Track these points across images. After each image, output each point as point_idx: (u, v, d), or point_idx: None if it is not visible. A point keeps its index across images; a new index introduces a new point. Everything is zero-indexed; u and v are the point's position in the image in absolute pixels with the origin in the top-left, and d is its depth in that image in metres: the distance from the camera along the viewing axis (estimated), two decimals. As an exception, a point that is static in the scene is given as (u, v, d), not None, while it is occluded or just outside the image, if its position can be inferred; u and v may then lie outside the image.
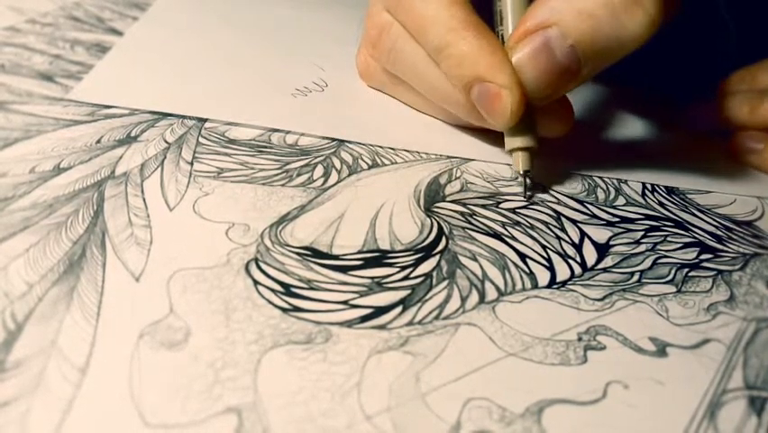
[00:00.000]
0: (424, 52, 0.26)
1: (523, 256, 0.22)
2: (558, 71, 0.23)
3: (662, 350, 0.19)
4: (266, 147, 0.25)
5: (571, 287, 0.20)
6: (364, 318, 0.18)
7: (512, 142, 0.25)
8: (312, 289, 0.19)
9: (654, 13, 0.21)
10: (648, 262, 0.22)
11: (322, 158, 0.25)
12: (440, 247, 0.21)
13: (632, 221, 0.24)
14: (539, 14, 0.22)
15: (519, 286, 0.20)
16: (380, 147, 0.27)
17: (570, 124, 0.26)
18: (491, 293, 0.20)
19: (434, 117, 0.29)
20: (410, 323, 0.18)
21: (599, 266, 0.22)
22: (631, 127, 0.31)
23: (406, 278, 0.20)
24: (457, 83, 0.25)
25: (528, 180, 0.25)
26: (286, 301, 0.18)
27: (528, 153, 0.25)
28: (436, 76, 0.26)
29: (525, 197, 0.25)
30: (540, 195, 0.25)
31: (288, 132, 0.27)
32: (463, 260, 0.21)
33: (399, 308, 0.18)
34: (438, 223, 0.22)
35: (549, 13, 0.22)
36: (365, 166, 0.25)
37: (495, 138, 0.29)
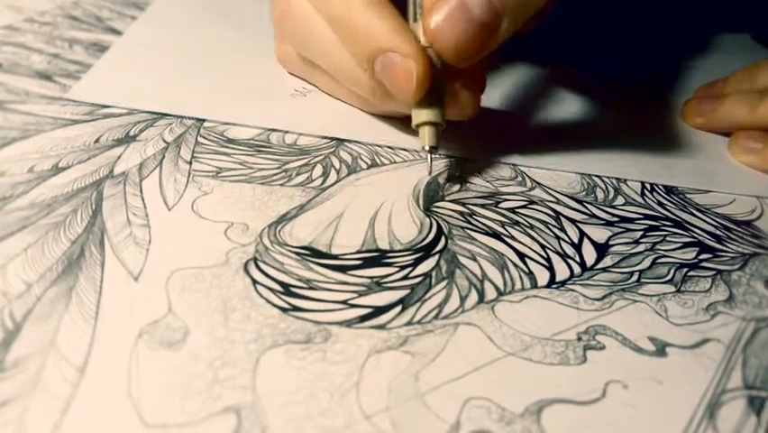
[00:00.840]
0: (328, 30, 0.25)
1: (522, 256, 0.21)
2: (477, 28, 0.22)
3: (661, 350, 0.19)
4: (265, 147, 0.25)
5: (570, 287, 0.20)
6: (363, 318, 0.18)
7: (418, 115, 0.24)
8: (311, 288, 0.19)
9: None
10: (647, 262, 0.22)
11: (321, 157, 0.25)
12: (439, 247, 0.21)
13: (631, 221, 0.24)
14: None
15: (518, 286, 0.20)
16: (379, 146, 0.26)
17: (475, 108, 0.26)
18: (490, 293, 0.20)
19: (348, 104, 0.29)
20: (409, 323, 0.18)
21: (599, 266, 0.22)
22: (630, 127, 0.31)
23: (405, 278, 0.20)
24: (360, 57, 0.24)
25: (432, 156, 0.24)
26: (285, 301, 0.18)
27: (435, 128, 0.24)
28: (342, 55, 0.25)
29: (429, 173, 0.25)
30: (540, 195, 0.25)
31: (287, 131, 0.27)
32: (462, 259, 0.21)
33: (398, 308, 0.18)
34: (437, 222, 0.22)
35: None
36: (364, 166, 0.25)
37: (494, 137, 0.29)
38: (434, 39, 0.23)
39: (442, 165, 0.26)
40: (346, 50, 0.25)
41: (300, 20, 0.27)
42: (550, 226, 0.23)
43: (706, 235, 0.24)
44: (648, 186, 0.27)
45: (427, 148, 0.24)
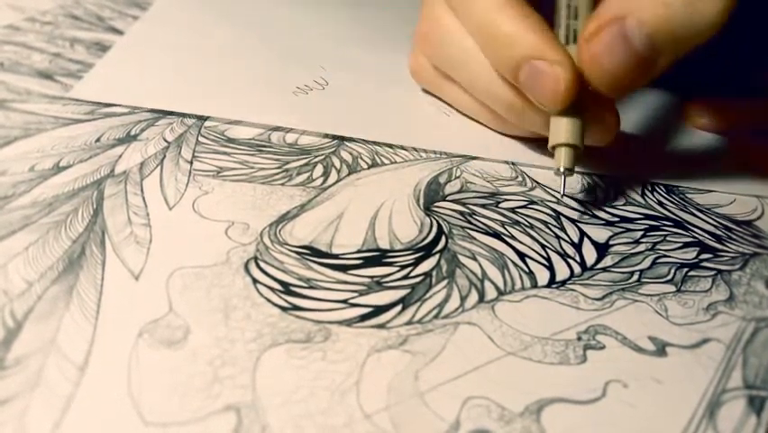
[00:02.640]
0: (472, 43, 0.26)
1: (522, 255, 0.22)
2: (636, 61, 0.22)
3: (661, 349, 0.19)
4: (265, 146, 0.25)
5: (570, 286, 0.20)
6: (363, 317, 0.18)
7: (557, 136, 0.24)
8: (311, 288, 0.19)
9: None
10: (648, 262, 0.22)
11: (321, 157, 0.25)
12: (439, 246, 0.21)
13: (631, 220, 0.24)
14: (613, 6, 0.22)
15: (519, 285, 0.20)
16: (380, 146, 0.26)
17: (613, 134, 0.25)
18: (491, 292, 0.20)
19: (477, 121, 0.29)
20: (409, 322, 0.18)
21: (599, 266, 0.22)
22: (630, 126, 0.31)
23: (405, 277, 0.20)
24: (504, 66, 0.24)
25: (566, 179, 0.24)
26: (285, 300, 0.18)
27: (572, 150, 0.24)
28: (482, 70, 0.25)
29: (561, 195, 0.24)
30: (540, 195, 0.25)
31: (288, 130, 0.27)
32: (463, 259, 0.21)
33: (399, 307, 0.18)
34: (438, 222, 0.22)
35: (623, 4, 0.22)
36: (365, 165, 0.25)
37: (495, 137, 0.29)
38: (590, 66, 0.22)
39: (442, 164, 0.26)
40: (489, 60, 0.25)
41: (444, 33, 0.27)
42: (550, 226, 0.23)
43: (706, 235, 0.24)
44: (648, 186, 0.27)
45: (562, 170, 0.23)
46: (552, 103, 0.23)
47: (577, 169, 0.24)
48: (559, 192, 0.24)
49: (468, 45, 0.26)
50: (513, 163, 0.27)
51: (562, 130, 0.24)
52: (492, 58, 0.25)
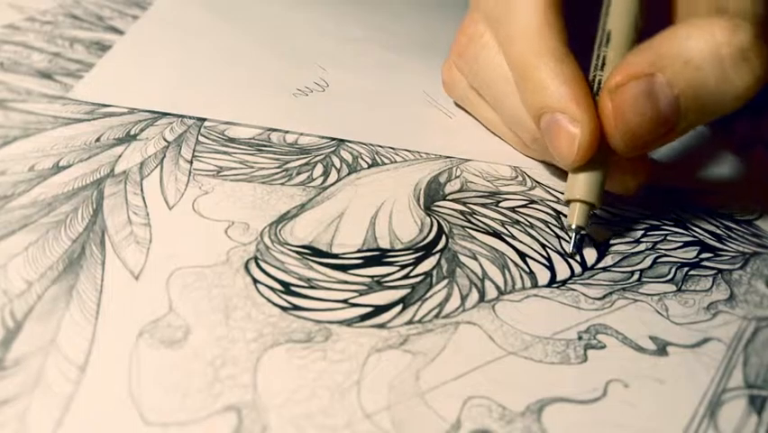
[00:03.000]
0: (506, 68, 0.25)
1: (523, 255, 0.21)
2: (659, 121, 0.21)
3: (662, 349, 0.19)
4: (265, 146, 0.25)
5: (571, 286, 0.20)
6: (364, 317, 0.18)
7: (572, 191, 0.22)
8: (312, 287, 0.19)
9: (761, 73, 0.20)
10: (648, 261, 0.22)
11: (321, 157, 0.25)
12: (440, 246, 0.21)
13: (632, 220, 0.24)
14: (644, 60, 0.21)
15: (519, 285, 0.20)
16: (381, 146, 0.26)
17: (640, 183, 0.24)
18: (491, 292, 0.20)
19: (504, 140, 0.28)
20: (410, 322, 0.18)
21: (599, 265, 0.22)
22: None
23: (405, 277, 0.20)
24: (528, 109, 0.23)
25: (578, 237, 0.22)
26: (285, 300, 0.18)
27: (587, 208, 0.22)
28: (513, 97, 0.25)
29: (570, 252, 0.22)
30: (540, 194, 0.25)
31: (287, 131, 0.27)
32: (463, 259, 0.21)
33: (399, 307, 0.18)
34: (438, 222, 0.22)
35: (654, 59, 0.21)
36: (365, 165, 0.25)
37: (495, 139, 0.29)
38: (610, 119, 0.21)
39: (442, 164, 0.26)
40: (519, 94, 0.24)
41: (481, 51, 0.26)
42: (550, 226, 0.23)
43: (707, 235, 0.24)
44: (649, 185, 0.27)
45: (574, 227, 0.22)
46: (564, 161, 0.22)
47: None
48: (568, 250, 0.22)
49: (502, 70, 0.25)
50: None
51: (578, 184, 0.22)
52: (520, 95, 0.24)
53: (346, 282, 0.19)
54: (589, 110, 0.22)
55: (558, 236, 0.23)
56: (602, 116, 0.22)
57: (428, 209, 0.23)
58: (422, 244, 0.21)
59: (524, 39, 0.23)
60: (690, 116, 0.21)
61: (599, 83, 0.23)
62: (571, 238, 0.22)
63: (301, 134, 0.26)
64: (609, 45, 0.23)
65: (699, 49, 0.20)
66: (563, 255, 0.22)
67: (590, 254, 0.22)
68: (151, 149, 0.24)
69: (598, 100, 0.22)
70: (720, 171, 0.29)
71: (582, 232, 0.22)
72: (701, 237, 0.24)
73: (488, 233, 0.22)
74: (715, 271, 0.22)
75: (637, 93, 0.21)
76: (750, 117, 0.32)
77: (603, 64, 0.23)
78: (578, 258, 0.22)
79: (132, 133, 0.25)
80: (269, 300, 0.18)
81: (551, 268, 0.21)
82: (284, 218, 0.21)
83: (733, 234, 0.24)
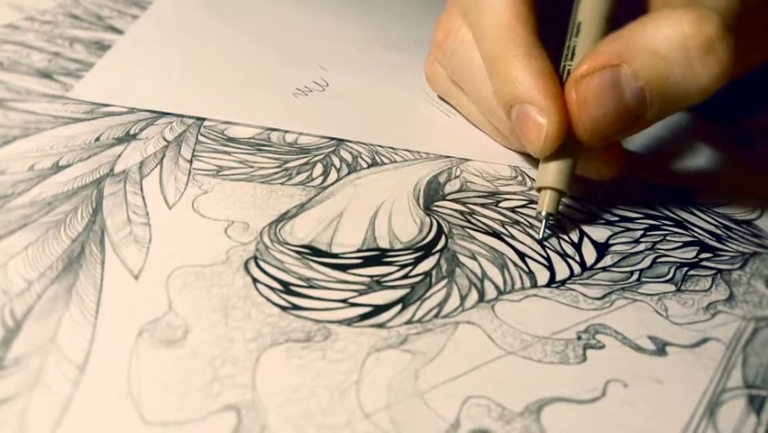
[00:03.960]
0: (482, 62, 0.25)
1: (522, 255, 0.21)
2: (623, 112, 0.21)
3: (661, 349, 0.19)
4: (265, 145, 0.25)
5: (570, 286, 0.20)
6: (363, 317, 0.18)
7: (543, 179, 0.23)
8: (311, 287, 0.19)
9: (727, 63, 0.20)
10: (647, 261, 0.22)
11: (321, 156, 0.25)
12: (439, 246, 0.21)
13: (631, 220, 0.24)
14: (611, 50, 0.21)
15: (518, 285, 0.20)
16: (380, 146, 0.26)
17: (618, 170, 0.24)
18: (490, 292, 0.20)
19: (485, 134, 0.29)
20: (409, 321, 0.18)
21: (599, 265, 0.22)
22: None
23: (405, 276, 0.20)
24: (499, 100, 0.24)
25: (548, 223, 0.23)
26: (285, 299, 0.18)
27: (557, 195, 0.23)
28: (489, 89, 0.25)
29: (539, 238, 0.23)
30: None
31: (287, 131, 0.27)
32: (463, 258, 0.21)
33: (399, 307, 0.18)
34: (437, 222, 0.22)
35: (621, 50, 0.21)
36: (364, 165, 0.25)
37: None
38: (575, 109, 0.22)
39: (441, 164, 0.26)
40: (491, 86, 0.24)
41: (458, 44, 0.27)
42: (554, 229, 0.23)
43: (706, 235, 0.24)
44: (648, 185, 0.27)
45: (543, 214, 0.22)
46: (533, 150, 0.23)
47: (577, 170, 0.24)
48: (537, 237, 0.23)
49: (479, 63, 0.25)
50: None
51: (548, 172, 0.23)
52: (492, 87, 0.24)
53: (346, 282, 0.19)
54: (556, 101, 0.22)
55: (557, 236, 0.23)
56: (568, 106, 0.22)
57: (428, 209, 0.23)
58: (421, 243, 0.21)
59: (494, 32, 0.24)
60: (656, 108, 0.21)
61: (569, 73, 0.23)
62: (541, 224, 0.23)
63: (301, 134, 0.26)
64: (579, 36, 0.24)
65: (666, 40, 0.20)
66: (563, 255, 0.22)
67: (590, 254, 0.22)
68: (151, 148, 0.24)
69: (564, 90, 0.22)
70: (720, 171, 0.29)
71: (552, 219, 0.23)
72: (701, 237, 0.24)
73: (487, 233, 0.22)
74: (714, 272, 0.22)
75: (602, 83, 0.21)
76: (752, 111, 0.32)
77: (573, 54, 0.24)
78: (576, 258, 0.22)
79: (132, 132, 0.25)
80: (269, 300, 0.18)
81: (550, 268, 0.21)
82: (283, 218, 0.21)
83: (732, 235, 0.24)
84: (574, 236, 0.23)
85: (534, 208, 0.24)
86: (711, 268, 0.22)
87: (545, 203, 0.23)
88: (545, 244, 0.22)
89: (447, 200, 0.24)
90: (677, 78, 0.20)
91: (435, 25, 0.29)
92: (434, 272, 0.20)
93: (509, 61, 0.23)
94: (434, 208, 0.23)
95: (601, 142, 0.22)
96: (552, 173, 0.23)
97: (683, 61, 0.20)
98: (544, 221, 0.23)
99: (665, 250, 0.23)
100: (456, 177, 0.25)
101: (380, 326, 0.18)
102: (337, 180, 0.24)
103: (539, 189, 0.23)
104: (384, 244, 0.21)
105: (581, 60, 0.22)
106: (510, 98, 0.23)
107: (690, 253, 0.23)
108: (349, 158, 0.25)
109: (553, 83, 0.22)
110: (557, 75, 0.23)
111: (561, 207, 0.24)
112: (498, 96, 0.24)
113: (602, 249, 0.23)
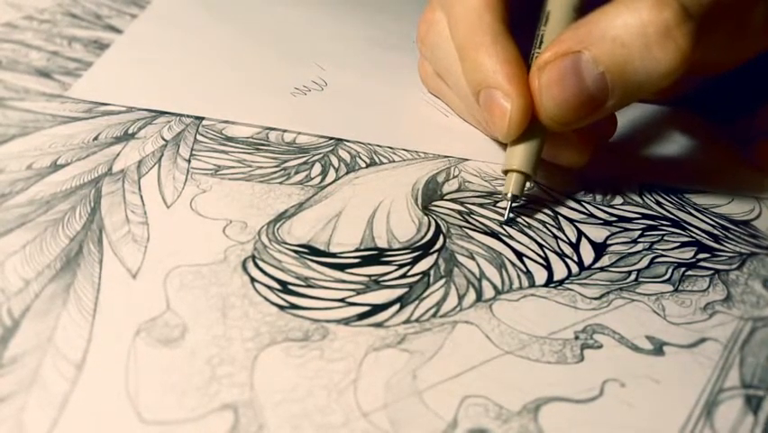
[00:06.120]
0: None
1: (520, 255, 0.22)
2: (584, 97, 0.22)
3: (658, 349, 0.19)
4: (263, 145, 0.25)
5: (568, 286, 0.20)
6: (361, 316, 0.18)
7: (509, 162, 0.23)
8: (309, 286, 0.19)
9: (686, 49, 0.20)
10: (645, 262, 0.22)
11: (320, 156, 0.25)
12: (437, 245, 0.21)
13: (629, 220, 0.24)
14: (573, 37, 0.22)
15: (516, 284, 0.20)
16: (379, 146, 0.27)
17: (586, 157, 0.25)
18: (488, 291, 0.20)
19: (471, 125, 0.29)
20: (407, 321, 0.18)
21: (597, 265, 0.22)
22: (628, 127, 0.31)
23: (403, 276, 0.20)
24: (469, 86, 0.24)
25: (512, 205, 0.23)
26: (283, 299, 0.18)
27: (522, 177, 0.23)
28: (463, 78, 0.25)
29: (503, 221, 0.23)
30: (538, 194, 0.25)
31: (285, 130, 0.27)
32: (461, 258, 0.21)
33: (396, 306, 0.18)
34: (436, 221, 0.22)
35: (582, 37, 0.21)
36: (363, 164, 0.25)
37: (493, 139, 0.29)
38: (537, 95, 0.22)
39: (440, 164, 0.26)
40: (463, 74, 0.25)
41: (438, 38, 0.27)
42: (548, 226, 0.23)
43: (704, 235, 0.24)
44: (646, 185, 0.27)
45: (509, 196, 0.23)
46: (500, 134, 0.23)
47: (549, 159, 0.24)
48: (503, 216, 0.23)
49: (455, 56, 0.26)
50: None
51: (514, 155, 0.23)
52: (463, 74, 0.25)
53: (343, 281, 0.19)
54: (520, 86, 0.23)
55: (555, 236, 0.23)
56: (532, 92, 0.23)
57: (426, 209, 0.23)
58: (419, 243, 0.21)
59: (464, 20, 0.24)
60: (618, 93, 0.22)
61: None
62: (506, 207, 0.23)
63: (299, 133, 0.26)
64: (547, 25, 0.24)
65: (626, 26, 0.21)
66: (560, 255, 0.22)
67: (588, 254, 0.22)
68: (149, 147, 0.24)
69: (529, 76, 0.23)
70: (719, 171, 0.29)
71: (517, 201, 0.23)
72: (698, 238, 0.24)
73: (485, 232, 0.22)
74: (712, 272, 0.22)
75: (563, 69, 0.22)
76: (751, 112, 0.32)
77: (541, 43, 0.24)
78: (574, 257, 0.22)
79: (131, 131, 0.25)
80: (267, 299, 0.18)
81: (548, 268, 0.21)
82: (282, 217, 0.21)
83: (730, 235, 0.25)
84: (571, 235, 0.23)
85: (534, 208, 0.24)
86: (709, 268, 0.22)
87: (511, 185, 0.23)
88: (544, 244, 0.22)
89: (445, 200, 0.24)
90: (637, 63, 0.21)
91: (419, 20, 0.29)
92: (432, 272, 0.20)
93: (477, 48, 0.24)
94: (433, 208, 0.23)
95: (564, 128, 0.23)
96: (517, 156, 0.23)
97: (642, 47, 0.21)
98: (509, 203, 0.23)
99: (663, 250, 0.23)
100: (454, 176, 0.25)
101: (378, 325, 0.18)
102: (335, 180, 0.24)
103: (505, 172, 0.24)
104: (382, 243, 0.21)
105: (546, 48, 0.22)
106: (477, 84, 0.24)
107: (687, 254, 0.23)
108: (347, 157, 0.25)
109: (518, 69, 0.23)
110: (525, 62, 0.24)
111: (555, 203, 0.24)
112: (467, 82, 0.25)
113: (600, 249, 0.23)
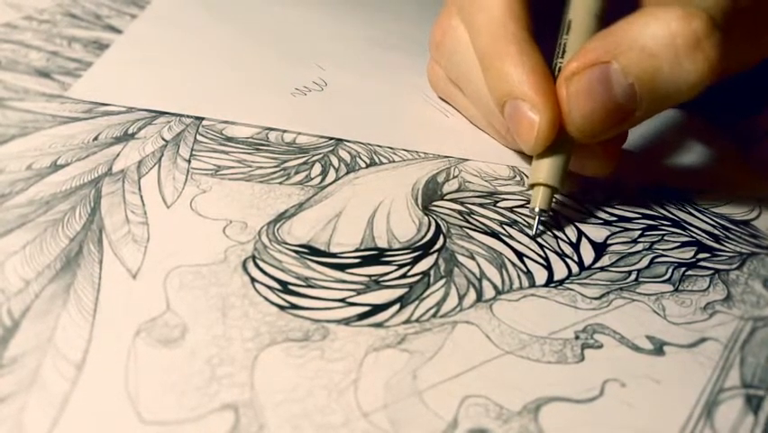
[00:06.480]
0: (477, 60, 0.25)
1: (520, 255, 0.22)
2: (613, 108, 0.21)
3: (659, 348, 0.19)
4: (263, 145, 0.25)
5: (568, 285, 0.20)
6: (361, 316, 0.18)
7: (535, 175, 0.23)
8: (309, 286, 0.19)
9: (715, 60, 0.20)
10: (645, 261, 0.22)
11: (320, 156, 0.25)
12: (437, 245, 0.21)
13: (629, 220, 0.24)
14: (601, 47, 0.21)
15: (517, 284, 0.20)
16: (379, 146, 0.26)
17: (612, 167, 0.24)
18: (489, 291, 0.20)
19: (487, 134, 0.29)
20: (407, 321, 0.18)
21: (597, 265, 0.22)
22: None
23: (403, 276, 0.20)
24: (493, 97, 0.24)
25: (541, 219, 0.23)
26: (283, 299, 0.18)
27: (549, 191, 0.23)
28: (485, 87, 0.25)
29: (533, 235, 0.23)
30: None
31: (285, 130, 0.27)
32: (461, 258, 0.21)
33: (397, 306, 0.18)
34: (436, 221, 0.22)
35: (610, 47, 0.21)
36: (363, 164, 0.25)
37: (493, 138, 0.29)
38: (565, 106, 0.22)
39: (440, 164, 0.26)
40: (485, 83, 0.25)
41: (455, 44, 0.27)
42: (548, 226, 0.23)
43: (704, 235, 0.24)
44: (646, 185, 0.27)
45: (537, 210, 0.23)
46: (526, 146, 0.23)
47: (573, 168, 0.24)
48: (531, 233, 0.23)
49: (475, 61, 0.25)
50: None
51: (541, 169, 0.23)
52: (486, 84, 0.25)
53: (344, 281, 0.19)
54: (548, 97, 0.22)
55: (556, 236, 0.23)
56: (559, 103, 0.22)
57: (426, 209, 0.23)
58: (420, 243, 0.21)
59: (488, 29, 0.24)
60: (646, 104, 0.21)
61: (560, 70, 0.23)
62: (534, 221, 0.23)
63: (299, 134, 0.26)
64: (570, 33, 0.24)
65: (655, 36, 0.20)
66: (561, 255, 0.22)
67: (588, 254, 0.22)
68: (149, 148, 0.24)
69: (555, 87, 0.22)
70: (719, 171, 0.29)
71: (545, 215, 0.23)
72: (699, 237, 0.24)
73: (485, 232, 0.22)
74: (712, 272, 0.22)
75: (592, 80, 0.21)
76: (752, 112, 0.32)
77: (564, 52, 0.24)
78: (575, 258, 0.22)
79: (130, 131, 0.25)
80: (267, 299, 0.18)
81: (548, 268, 0.21)
82: (282, 217, 0.21)
83: (730, 235, 0.25)
84: (572, 235, 0.23)
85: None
86: (709, 268, 0.22)
87: (538, 199, 0.23)
88: (544, 243, 0.22)
89: (445, 200, 0.24)
90: (666, 74, 0.21)
91: (433, 25, 0.29)
92: (432, 272, 0.20)
93: (502, 58, 0.23)
94: (433, 208, 0.23)
95: (592, 139, 0.23)
96: (544, 170, 0.23)
97: (672, 58, 0.20)
98: (536, 217, 0.23)
99: (663, 250, 0.23)
100: (454, 177, 0.25)
101: (378, 325, 0.18)
102: (336, 180, 0.24)
103: (532, 186, 0.23)
104: (382, 243, 0.21)
105: (572, 57, 0.22)
106: (503, 95, 0.23)
107: (687, 254, 0.23)
108: (347, 157, 0.25)
109: (545, 79, 0.23)
110: (550, 72, 0.23)
111: (556, 205, 0.24)
112: (491, 92, 0.24)
113: (600, 249, 0.23)
